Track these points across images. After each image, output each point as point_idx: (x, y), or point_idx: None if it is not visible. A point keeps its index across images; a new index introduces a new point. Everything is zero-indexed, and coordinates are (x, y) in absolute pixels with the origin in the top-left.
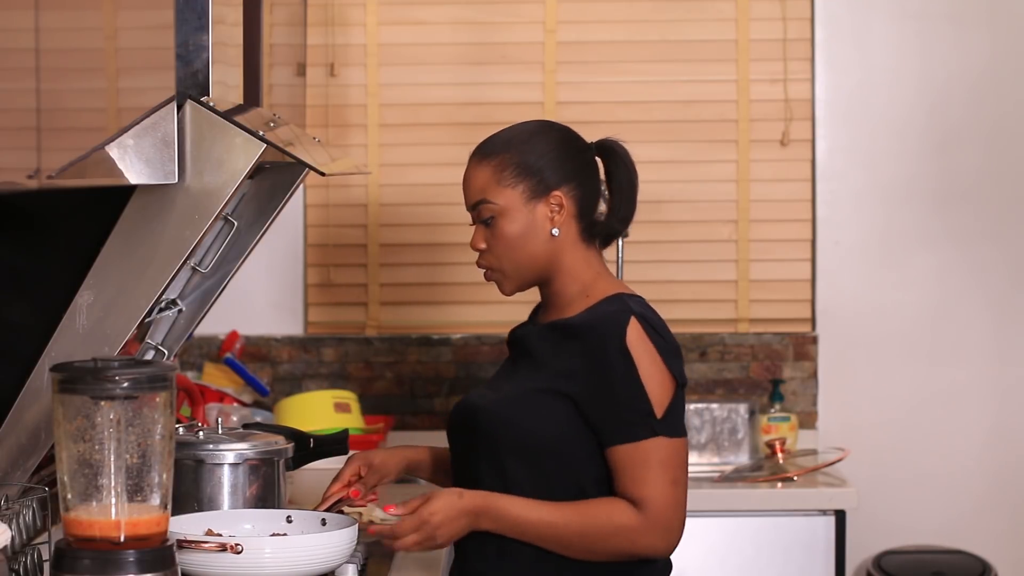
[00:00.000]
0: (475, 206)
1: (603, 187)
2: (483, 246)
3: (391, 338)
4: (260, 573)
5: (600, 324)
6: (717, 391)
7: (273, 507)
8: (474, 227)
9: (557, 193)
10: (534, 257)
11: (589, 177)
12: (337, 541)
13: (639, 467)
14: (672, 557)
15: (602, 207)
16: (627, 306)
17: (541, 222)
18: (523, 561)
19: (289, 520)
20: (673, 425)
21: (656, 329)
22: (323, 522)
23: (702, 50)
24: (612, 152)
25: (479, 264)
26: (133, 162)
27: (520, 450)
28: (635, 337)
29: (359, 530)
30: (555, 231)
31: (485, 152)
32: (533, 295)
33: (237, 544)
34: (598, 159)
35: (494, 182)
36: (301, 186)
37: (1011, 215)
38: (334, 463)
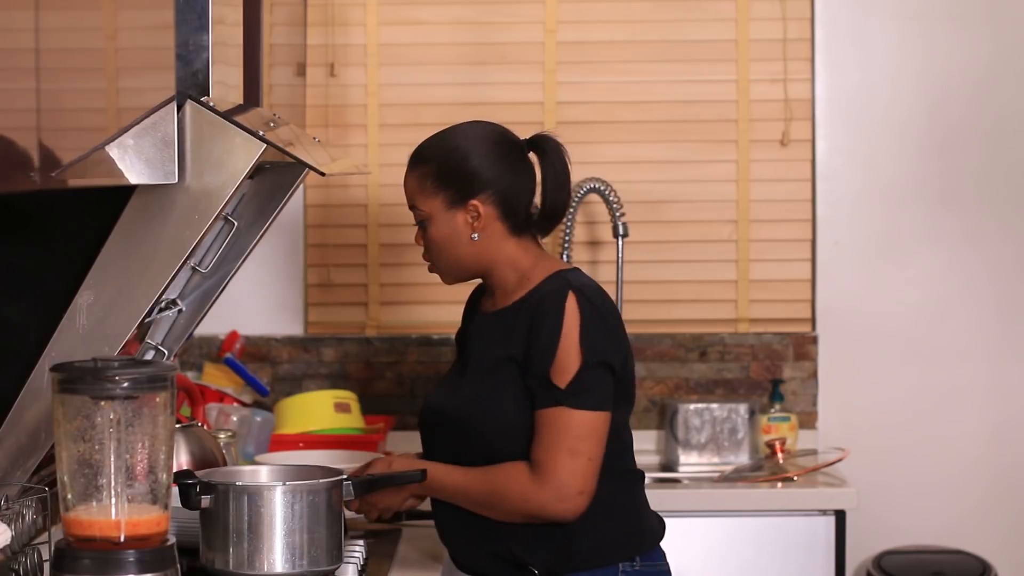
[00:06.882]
0: (411, 208)
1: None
2: (421, 244)
3: (391, 338)
4: None
5: (541, 301)
6: (717, 391)
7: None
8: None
9: (474, 202)
10: (460, 258)
11: (517, 176)
12: None
13: (543, 432)
14: (672, 557)
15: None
16: (566, 281)
17: (462, 228)
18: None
19: None
20: (580, 398)
21: (592, 302)
22: None
23: (702, 50)
24: (541, 148)
25: (423, 258)
26: (133, 162)
27: (491, 442)
28: (569, 310)
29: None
30: (475, 236)
31: (414, 160)
32: None
33: None
34: (533, 154)
35: (419, 190)
36: (301, 186)
37: (1012, 215)
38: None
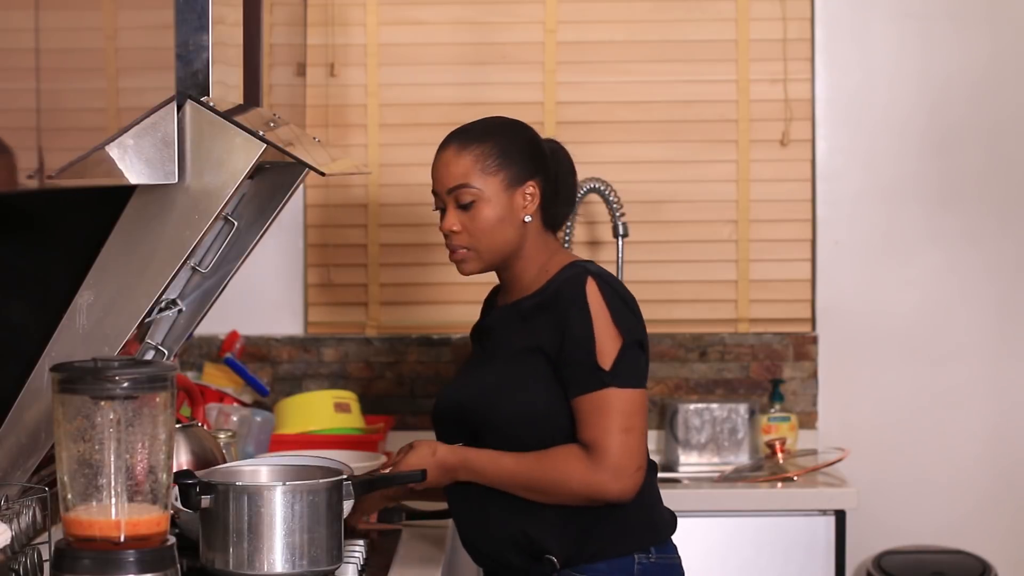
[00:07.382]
0: (453, 190)
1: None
2: (458, 228)
3: (391, 338)
4: None
5: (561, 289)
6: (717, 391)
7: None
8: (446, 210)
9: (531, 183)
10: (507, 241)
11: (549, 171)
12: None
13: (592, 415)
14: None
15: None
16: (584, 268)
17: (517, 209)
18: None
19: None
20: (624, 377)
21: (612, 286)
22: None
23: (702, 50)
24: (557, 151)
25: (451, 244)
26: (133, 162)
27: (511, 431)
28: (592, 295)
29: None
30: (528, 218)
31: (466, 140)
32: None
33: None
34: None
35: (477, 169)
36: (301, 186)
37: (1011, 215)
38: None
